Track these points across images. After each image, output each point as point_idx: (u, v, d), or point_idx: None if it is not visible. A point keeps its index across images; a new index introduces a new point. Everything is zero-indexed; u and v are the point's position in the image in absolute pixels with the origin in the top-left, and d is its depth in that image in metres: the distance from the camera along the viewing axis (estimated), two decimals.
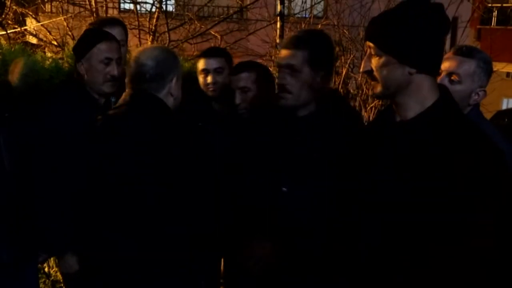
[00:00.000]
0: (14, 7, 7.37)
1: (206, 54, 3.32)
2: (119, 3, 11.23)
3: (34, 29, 7.92)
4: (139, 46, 6.23)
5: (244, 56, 8.66)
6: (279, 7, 6.55)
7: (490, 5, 9.35)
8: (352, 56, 6.23)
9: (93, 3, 7.50)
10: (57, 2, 9.07)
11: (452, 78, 2.51)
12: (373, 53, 1.86)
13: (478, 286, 1.75)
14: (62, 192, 2.73)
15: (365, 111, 5.72)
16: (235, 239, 2.62)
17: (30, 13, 8.08)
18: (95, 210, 2.61)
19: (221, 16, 9.23)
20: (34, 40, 7.95)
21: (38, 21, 8.13)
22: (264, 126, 2.56)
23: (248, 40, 8.90)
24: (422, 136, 1.80)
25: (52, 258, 3.49)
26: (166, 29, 7.49)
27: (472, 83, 2.51)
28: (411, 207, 1.77)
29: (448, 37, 1.94)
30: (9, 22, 7.40)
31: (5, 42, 4.12)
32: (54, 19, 7.97)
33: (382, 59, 1.83)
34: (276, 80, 2.52)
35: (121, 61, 2.95)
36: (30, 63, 3.15)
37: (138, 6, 8.08)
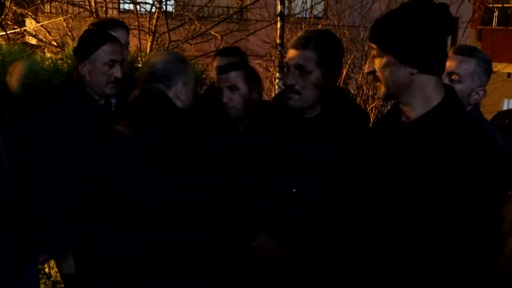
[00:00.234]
0: (13, 7, 7.37)
1: (222, 52, 3.47)
2: (119, 3, 11.23)
3: (33, 29, 7.92)
4: (139, 46, 6.23)
5: None
6: (279, 8, 6.53)
7: (491, 5, 9.35)
8: (352, 56, 6.22)
9: (92, 3, 7.50)
10: (57, 3, 9.07)
11: (452, 77, 2.50)
12: (375, 54, 1.86)
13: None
14: (62, 193, 2.73)
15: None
16: (238, 239, 2.61)
17: (30, 13, 8.07)
18: (96, 210, 2.61)
19: (221, 17, 9.23)
20: (33, 41, 7.95)
21: (38, 22, 8.13)
22: (269, 128, 2.54)
23: (248, 40, 8.89)
24: (426, 136, 1.80)
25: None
26: (166, 30, 7.48)
27: (472, 83, 2.51)
28: (416, 207, 1.78)
29: (449, 37, 1.93)
30: (9, 22, 7.41)
31: (4, 43, 4.11)
32: (53, 20, 7.97)
33: (384, 60, 1.83)
34: (281, 81, 2.49)
35: (124, 63, 2.95)
36: (29, 64, 3.14)
37: (138, 7, 8.08)
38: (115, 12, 11.16)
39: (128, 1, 9.40)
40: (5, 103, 2.73)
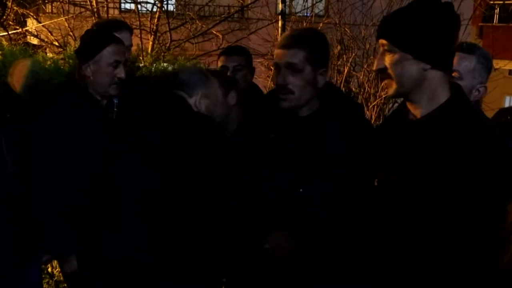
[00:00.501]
0: (15, 7, 7.37)
1: (227, 52, 3.45)
2: (120, 3, 11.21)
3: (35, 29, 7.93)
4: (140, 46, 6.24)
5: None
6: (280, 6, 6.55)
7: (492, 2, 9.31)
8: (354, 54, 6.22)
9: (94, 3, 7.50)
10: (58, 3, 9.07)
11: (453, 75, 2.50)
12: (387, 50, 1.85)
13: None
14: (64, 193, 2.73)
15: (367, 110, 5.71)
16: (247, 242, 2.60)
17: (31, 13, 8.08)
18: (96, 210, 2.61)
19: (222, 16, 9.23)
20: (35, 41, 7.96)
21: (39, 22, 8.13)
22: (263, 129, 2.53)
23: (249, 39, 8.89)
24: (434, 133, 1.80)
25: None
26: (168, 29, 7.49)
27: (473, 80, 2.51)
28: (423, 205, 1.78)
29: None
30: (10, 23, 7.41)
31: (6, 43, 4.12)
32: (55, 20, 7.97)
33: (397, 56, 1.83)
34: (274, 81, 2.48)
35: (127, 64, 2.96)
36: (31, 65, 3.15)
37: (139, 6, 8.09)
38: (116, 11, 11.15)
39: (130, 1, 9.41)
40: (7, 103, 2.74)
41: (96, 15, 7.40)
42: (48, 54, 5.52)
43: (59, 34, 7.82)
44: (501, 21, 12.30)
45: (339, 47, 6.32)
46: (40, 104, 2.81)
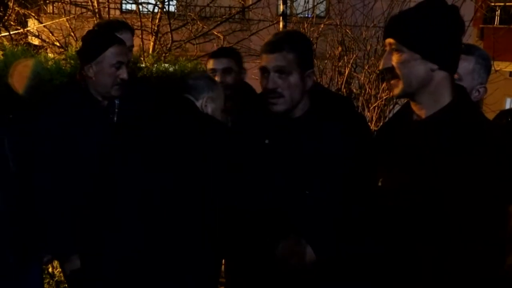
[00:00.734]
0: (16, 8, 7.37)
1: (215, 54, 3.38)
2: (121, 3, 11.22)
3: (36, 30, 7.93)
4: (141, 46, 6.24)
5: (246, 56, 8.65)
6: (281, 7, 6.53)
7: (493, 4, 9.31)
8: (354, 56, 6.22)
9: (95, 4, 7.50)
10: (59, 3, 9.07)
11: None
12: (395, 49, 1.85)
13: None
14: (64, 193, 2.74)
15: (368, 111, 5.72)
16: (256, 249, 2.60)
17: (33, 14, 8.08)
18: (98, 210, 2.61)
19: (224, 16, 9.23)
20: (36, 41, 7.96)
21: (41, 22, 8.14)
22: (260, 134, 2.52)
23: (250, 40, 8.89)
24: (438, 134, 1.80)
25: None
26: (169, 30, 7.49)
27: (472, 81, 2.51)
28: (426, 206, 1.79)
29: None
30: (12, 23, 7.41)
31: (8, 43, 4.12)
32: (56, 20, 7.98)
33: (405, 55, 1.83)
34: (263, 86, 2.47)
35: (129, 65, 2.96)
36: (33, 66, 3.15)
37: (140, 7, 8.08)
38: (118, 12, 11.16)
39: (131, 2, 9.40)
40: (9, 103, 2.74)
41: (97, 16, 7.40)
42: (49, 55, 5.52)
43: (60, 34, 7.82)
44: (502, 23, 12.30)
45: (340, 48, 6.33)
46: (40, 104, 2.81)
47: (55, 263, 3.91)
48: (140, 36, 7.27)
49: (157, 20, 7.47)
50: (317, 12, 8.70)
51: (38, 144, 2.73)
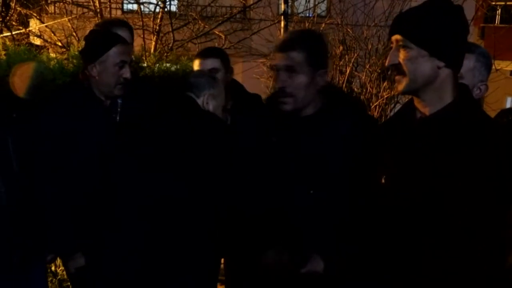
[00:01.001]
0: (18, 8, 7.38)
1: (201, 54, 3.34)
2: (123, 3, 11.24)
3: (38, 30, 7.94)
4: (143, 46, 6.25)
5: (247, 56, 8.67)
6: (282, 7, 6.56)
7: (494, 3, 9.32)
8: (356, 55, 6.23)
9: (97, 4, 7.50)
10: (61, 3, 9.08)
11: None
12: (402, 45, 1.86)
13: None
14: (66, 192, 2.75)
15: (369, 110, 5.72)
16: (248, 252, 2.61)
17: (34, 14, 8.09)
18: (99, 210, 2.63)
19: (225, 16, 9.23)
20: (37, 41, 7.97)
21: (43, 22, 8.15)
22: (268, 128, 2.53)
23: (251, 39, 8.90)
24: (443, 131, 1.82)
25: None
26: (170, 29, 7.49)
27: (473, 78, 2.51)
28: (429, 203, 1.80)
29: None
30: (14, 23, 7.42)
31: (10, 43, 4.14)
32: (58, 20, 7.99)
33: (412, 52, 1.84)
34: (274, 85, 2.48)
35: (132, 64, 2.96)
36: (35, 66, 3.17)
37: (141, 7, 8.09)
38: (119, 12, 11.17)
39: (132, 1, 9.41)
40: (13, 103, 2.75)
41: (99, 16, 7.40)
42: (51, 55, 5.53)
43: (62, 34, 7.83)
44: (503, 22, 12.31)
45: (341, 48, 6.33)
46: (42, 104, 2.83)
47: (58, 261, 3.92)
48: (142, 36, 7.27)
49: (158, 20, 7.48)
50: (318, 11, 8.72)
51: (40, 144, 2.73)
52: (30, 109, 2.77)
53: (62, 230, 2.79)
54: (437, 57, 1.82)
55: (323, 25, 6.71)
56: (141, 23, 7.46)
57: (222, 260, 3.52)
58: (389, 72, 5.66)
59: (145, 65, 4.14)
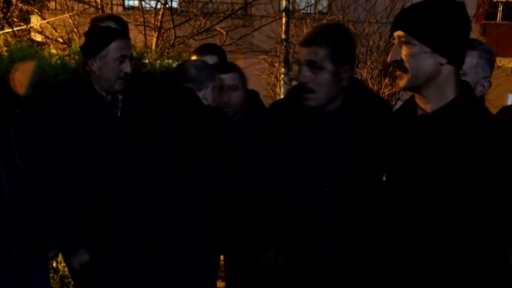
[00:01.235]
0: (19, 4, 7.37)
1: (199, 51, 3.36)
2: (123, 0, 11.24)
3: (39, 26, 7.93)
4: (145, 42, 6.25)
5: (249, 52, 8.67)
6: (284, 3, 6.55)
7: (495, 0, 9.31)
8: (357, 51, 6.22)
9: (98, 0, 7.51)
10: (62, 0, 9.08)
11: None
12: (404, 41, 1.85)
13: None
14: (68, 189, 2.76)
15: None
16: (247, 252, 2.62)
17: (36, 10, 8.09)
18: (100, 207, 2.63)
19: (226, 12, 9.22)
20: (39, 38, 7.96)
21: (44, 19, 8.14)
22: (286, 124, 2.50)
23: (253, 36, 8.90)
24: (445, 128, 1.81)
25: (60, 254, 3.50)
26: (172, 26, 7.49)
27: (476, 75, 2.51)
28: (433, 200, 1.80)
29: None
30: (15, 19, 7.41)
31: (12, 39, 4.13)
32: (59, 16, 7.98)
33: (414, 48, 1.83)
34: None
35: (132, 59, 2.97)
36: (37, 62, 3.16)
37: (143, 3, 8.09)
38: (120, 8, 11.17)
39: None
40: (16, 99, 2.75)
41: (100, 12, 7.40)
42: (52, 51, 5.52)
43: (64, 30, 7.82)
44: (505, 19, 12.29)
45: None
46: (44, 100, 2.83)
47: (60, 258, 3.92)
48: (144, 32, 7.27)
49: (160, 16, 7.46)
50: (320, 8, 8.72)
51: (42, 140, 2.74)
52: (32, 107, 2.77)
53: (64, 225, 2.80)
54: (439, 54, 1.82)
55: (324, 21, 6.70)
56: (142, 19, 7.46)
57: (222, 257, 3.53)
58: (390, 69, 5.66)
59: (146, 61, 4.13)
